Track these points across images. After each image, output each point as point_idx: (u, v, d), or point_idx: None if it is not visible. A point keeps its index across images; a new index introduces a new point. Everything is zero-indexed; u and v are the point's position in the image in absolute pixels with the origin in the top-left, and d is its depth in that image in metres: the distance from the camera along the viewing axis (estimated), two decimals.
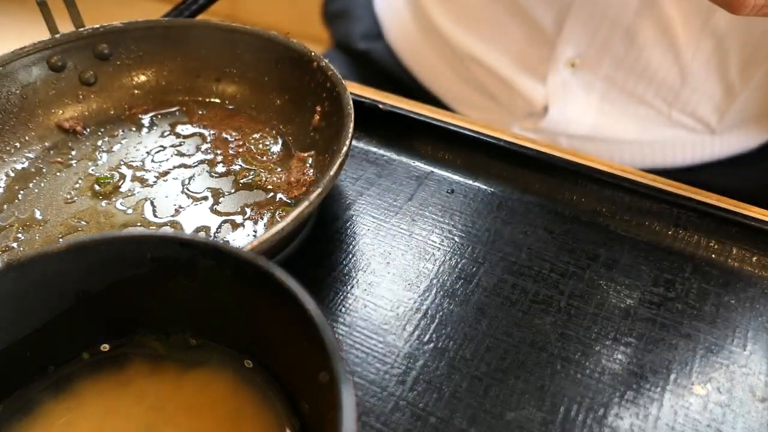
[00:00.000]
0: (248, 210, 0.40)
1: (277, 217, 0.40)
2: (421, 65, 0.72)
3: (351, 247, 0.40)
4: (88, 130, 0.47)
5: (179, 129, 0.47)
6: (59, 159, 0.44)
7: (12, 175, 0.43)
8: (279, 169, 0.43)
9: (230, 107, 0.48)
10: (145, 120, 0.48)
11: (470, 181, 0.45)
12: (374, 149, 0.48)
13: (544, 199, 0.44)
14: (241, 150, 0.45)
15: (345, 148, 0.36)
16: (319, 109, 0.43)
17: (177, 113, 0.48)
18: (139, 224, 0.40)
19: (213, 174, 0.43)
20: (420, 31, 0.71)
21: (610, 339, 0.35)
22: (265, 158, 0.44)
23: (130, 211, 0.41)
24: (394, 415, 0.32)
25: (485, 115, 0.68)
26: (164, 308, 0.27)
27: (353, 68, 0.76)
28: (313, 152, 0.43)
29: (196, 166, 0.44)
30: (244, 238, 0.39)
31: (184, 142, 0.46)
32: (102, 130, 0.47)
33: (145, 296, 0.26)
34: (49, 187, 0.42)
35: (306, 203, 0.33)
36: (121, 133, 0.47)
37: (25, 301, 0.25)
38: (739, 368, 0.34)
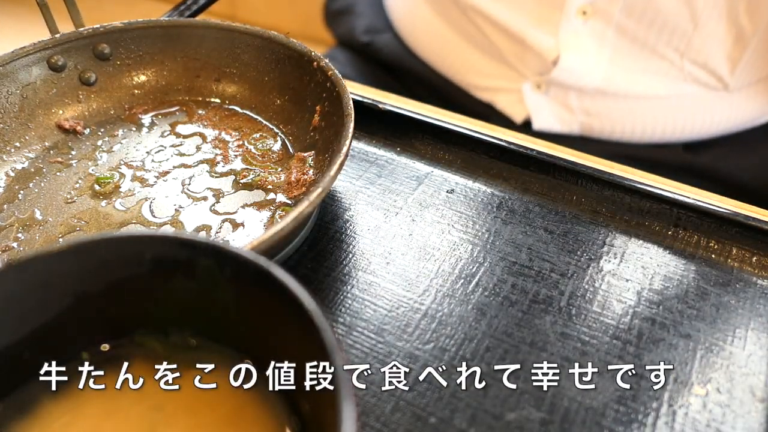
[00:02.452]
0: (248, 210, 0.40)
1: (277, 217, 0.40)
2: (428, 41, 0.72)
3: (351, 247, 0.40)
4: (88, 130, 0.47)
5: (179, 129, 0.47)
6: (59, 159, 0.44)
7: (12, 175, 0.43)
8: (279, 169, 0.43)
9: (230, 107, 0.48)
10: (145, 120, 0.48)
11: (470, 181, 0.45)
12: (374, 149, 0.48)
13: (544, 199, 0.44)
14: (241, 150, 0.45)
15: (345, 148, 0.36)
16: (319, 109, 0.43)
17: (177, 113, 0.48)
18: (139, 224, 0.40)
19: (213, 174, 0.43)
20: (430, 4, 0.71)
21: (610, 339, 0.35)
22: (265, 158, 0.44)
23: (130, 210, 0.41)
24: (394, 415, 0.32)
25: (495, 81, 0.68)
26: (164, 308, 0.27)
27: (356, 64, 0.76)
28: (313, 152, 0.43)
29: (196, 166, 0.44)
30: (244, 238, 0.39)
31: (184, 142, 0.46)
32: (102, 130, 0.47)
33: (145, 296, 0.26)
34: (49, 187, 0.42)
35: (306, 203, 0.33)
36: (121, 133, 0.47)
37: (25, 301, 0.25)
38: (739, 368, 0.34)
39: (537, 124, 0.66)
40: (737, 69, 0.61)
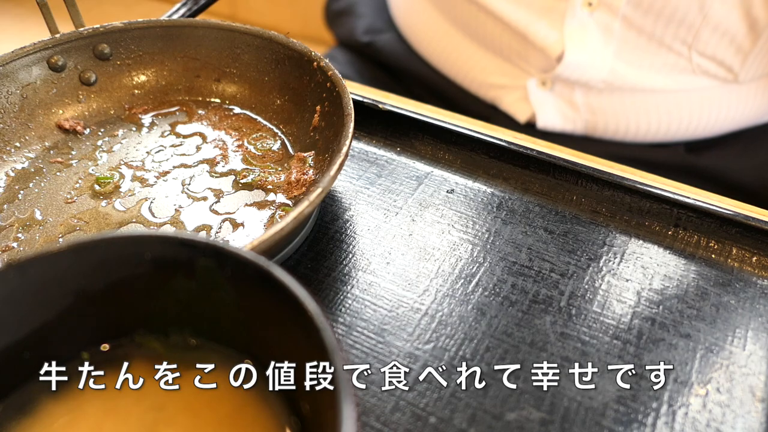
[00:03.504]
0: (248, 210, 0.40)
1: (277, 217, 0.40)
2: (431, 39, 0.72)
3: (351, 247, 0.40)
4: (88, 130, 0.47)
5: (179, 129, 0.47)
6: (59, 159, 0.44)
7: (12, 175, 0.43)
8: (279, 169, 0.43)
9: (230, 107, 0.48)
10: (145, 120, 0.48)
11: (470, 181, 0.45)
12: (374, 149, 0.48)
13: (544, 199, 0.44)
14: (241, 150, 0.45)
15: (345, 148, 0.36)
16: (319, 109, 0.43)
17: (177, 113, 0.48)
18: (139, 224, 0.40)
19: (213, 174, 0.43)
20: (433, 1, 0.71)
21: (610, 339, 0.35)
22: (265, 158, 0.44)
23: (129, 210, 0.41)
24: (394, 415, 0.32)
25: (499, 79, 0.68)
26: (164, 308, 0.27)
27: (357, 64, 0.76)
28: (313, 152, 0.43)
29: (196, 166, 0.44)
30: (244, 238, 0.39)
31: (184, 142, 0.46)
32: (102, 130, 0.47)
33: (145, 296, 0.26)
34: (49, 187, 0.42)
35: (306, 203, 0.33)
36: (121, 133, 0.47)
37: (25, 301, 0.25)
38: (739, 368, 0.34)
39: (541, 122, 0.66)
40: (748, 60, 0.60)
